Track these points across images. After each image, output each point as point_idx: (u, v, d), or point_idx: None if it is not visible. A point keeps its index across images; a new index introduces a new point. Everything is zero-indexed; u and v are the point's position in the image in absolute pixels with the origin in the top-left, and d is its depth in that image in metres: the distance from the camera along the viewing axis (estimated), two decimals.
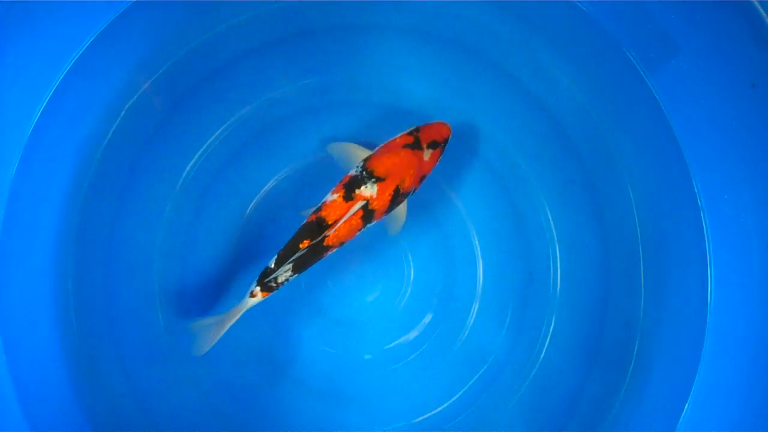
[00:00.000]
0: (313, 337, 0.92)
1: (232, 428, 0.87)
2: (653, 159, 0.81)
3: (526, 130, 0.90)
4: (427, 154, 0.81)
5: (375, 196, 0.77)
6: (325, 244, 0.77)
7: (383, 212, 0.80)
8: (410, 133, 0.81)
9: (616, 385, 0.82)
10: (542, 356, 0.88)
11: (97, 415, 0.82)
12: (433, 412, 0.89)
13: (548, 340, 0.88)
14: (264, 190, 0.92)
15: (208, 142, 0.91)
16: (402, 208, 0.84)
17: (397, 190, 0.78)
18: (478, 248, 0.92)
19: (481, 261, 0.92)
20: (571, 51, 0.85)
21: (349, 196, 0.77)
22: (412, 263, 0.93)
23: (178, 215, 0.90)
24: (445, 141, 0.84)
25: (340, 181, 0.79)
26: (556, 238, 0.90)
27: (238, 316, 0.79)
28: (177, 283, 0.90)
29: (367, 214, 0.78)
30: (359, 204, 0.77)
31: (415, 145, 0.80)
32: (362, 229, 0.79)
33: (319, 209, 0.78)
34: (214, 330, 0.78)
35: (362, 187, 0.77)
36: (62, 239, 0.81)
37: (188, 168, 0.90)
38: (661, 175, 0.80)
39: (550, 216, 0.90)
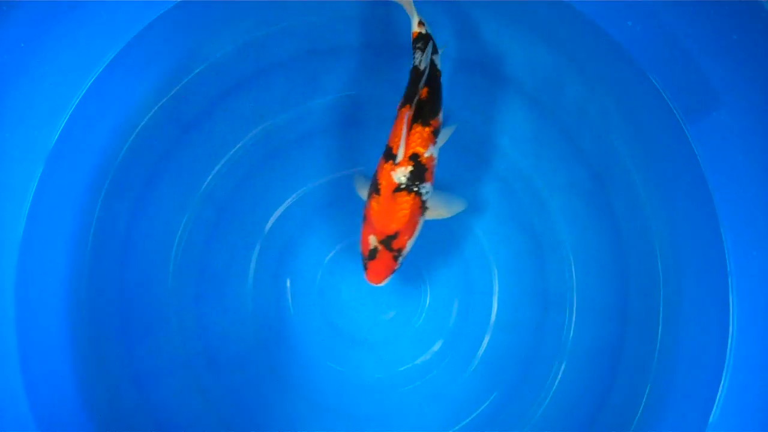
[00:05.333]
0: (324, 353, 0.92)
1: None
2: (682, 207, 0.80)
3: (554, 163, 0.90)
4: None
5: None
6: None
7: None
8: None
9: (630, 418, 0.81)
10: (553, 390, 0.88)
11: (103, 417, 0.83)
12: None
13: (560, 375, 0.88)
14: (285, 205, 0.92)
15: (229, 155, 0.91)
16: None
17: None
18: (497, 279, 0.92)
19: (497, 292, 0.92)
20: (608, 89, 0.84)
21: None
22: (428, 286, 0.93)
23: (195, 227, 0.90)
24: None
25: None
26: (575, 276, 0.89)
27: None
28: (191, 294, 0.90)
29: None
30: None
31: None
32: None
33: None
34: None
35: None
36: (79, 246, 0.82)
37: (208, 180, 0.90)
38: (689, 224, 0.80)
39: (570, 253, 0.89)
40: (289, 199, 0.92)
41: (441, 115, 0.77)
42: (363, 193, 0.82)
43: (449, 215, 0.81)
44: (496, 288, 0.92)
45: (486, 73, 0.89)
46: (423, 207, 0.77)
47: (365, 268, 0.79)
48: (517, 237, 0.92)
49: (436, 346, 0.92)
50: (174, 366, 0.88)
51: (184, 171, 0.89)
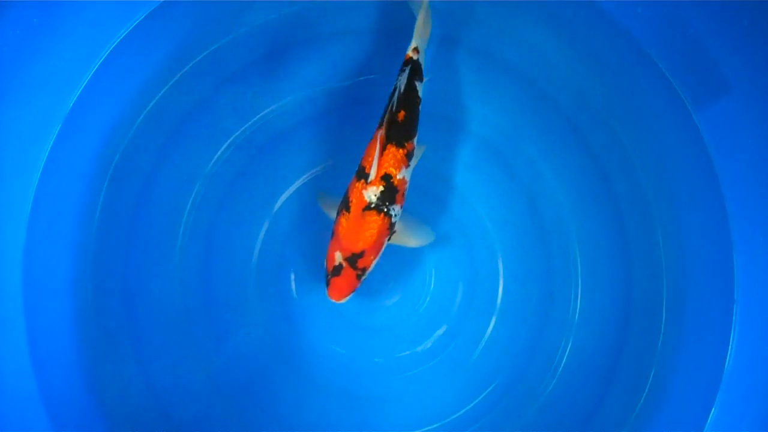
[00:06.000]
0: (329, 337, 0.92)
1: (244, 421, 0.88)
2: (688, 194, 0.81)
3: (560, 150, 0.90)
4: None
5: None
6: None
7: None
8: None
9: (633, 405, 0.82)
10: (558, 374, 0.88)
11: (107, 396, 0.83)
12: (443, 422, 0.90)
13: (564, 359, 0.88)
14: (294, 186, 0.92)
15: (236, 134, 0.90)
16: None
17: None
18: (501, 264, 0.92)
19: (502, 277, 0.92)
20: (615, 75, 0.84)
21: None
22: (434, 272, 0.93)
23: (203, 207, 0.90)
24: None
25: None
26: (579, 261, 0.90)
27: None
28: (198, 275, 0.90)
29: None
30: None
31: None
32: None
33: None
34: None
35: None
36: (85, 228, 0.82)
37: (214, 160, 0.90)
38: (695, 212, 0.80)
39: (576, 240, 0.90)
40: (301, 179, 0.92)
41: (416, 140, 0.79)
42: (328, 210, 0.83)
43: (415, 245, 0.84)
44: (501, 273, 0.92)
45: (492, 61, 0.89)
46: (391, 229, 0.78)
47: (327, 283, 0.80)
48: (522, 222, 0.92)
49: (440, 331, 0.92)
50: (179, 349, 0.88)
51: (191, 152, 0.89)
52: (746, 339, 0.73)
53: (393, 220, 0.78)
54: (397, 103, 0.76)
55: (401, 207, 0.79)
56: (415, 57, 0.80)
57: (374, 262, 0.79)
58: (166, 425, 0.84)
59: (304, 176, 0.92)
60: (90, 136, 0.81)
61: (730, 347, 0.73)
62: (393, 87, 0.79)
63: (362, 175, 0.76)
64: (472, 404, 0.90)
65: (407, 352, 0.93)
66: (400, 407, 0.91)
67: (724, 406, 0.73)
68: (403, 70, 0.79)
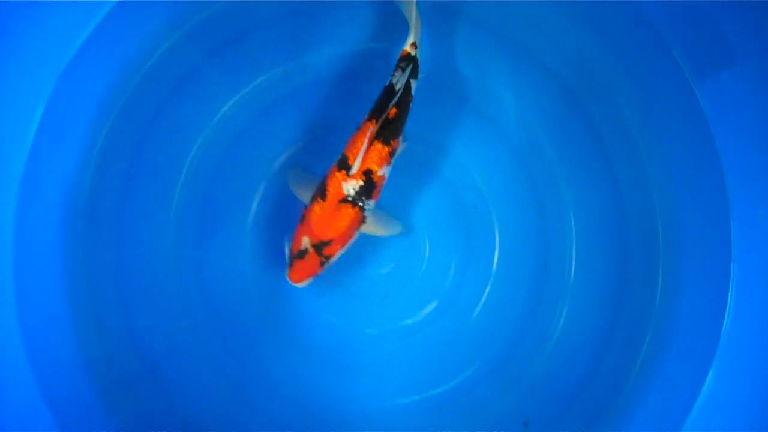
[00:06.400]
0: (322, 306, 0.91)
1: (240, 392, 0.87)
2: (686, 163, 0.81)
3: (557, 119, 0.90)
4: None
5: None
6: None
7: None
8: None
9: (627, 371, 0.83)
10: (554, 340, 0.89)
11: (95, 363, 0.80)
12: (437, 391, 0.90)
13: (560, 325, 0.89)
14: (294, 148, 0.90)
15: (235, 98, 0.89)
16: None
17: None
18: (497, 232, 0.92)
19: (498, 246, 0.92)
20: (616, 46, 0.83)
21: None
22: (428, 241, 0.92)
23: (196, 176, 0.88)
24: None
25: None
26: (574, 230, 0.90)
27: None
28: (191, 243, 0.88)
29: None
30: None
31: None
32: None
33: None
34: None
35: None
36: (75, 198, 0.80)
37: (215, 120, 0.88)
38: (692, 180, 0.81)
39: (571, 208, 0.90)
40: (293, 147, 0.91)
41: (401, 138, 0.79)
42: (297, 190, 0.83)
43: (383, 234, 0.84)
44: (496, 242, 0.92)
45: (491, 31, 0.88)
46: (362, 221, 0.79)
47: (290, 264, 0.80)
48: (518, 189, 0.91)
49: (435, 301, 0.92)
50: (172, 317, 0.86)
51: (189, 114, 0.86)
52: (743, 304, 0.74)
53: (365, 213, 0.78)
54: (391, 100, 0.75)
55: (375, 202, 0.79)
56: (413, 53, 0.79)
57: (340, 252, 0.80)
58: (156, 390, 0.83)
59: (305, 140, 0.91)
60: (89, 88, 0.78)
61: (726, 313, 0.74)
62: (388, 82, 0.77)
63: (344, 165, 0.76)
64: (465, 375, 0.90)
65: (401, 322, 0.92)
66: (390, 376, 0.91)
67: (720, 374, 0.74)
68: (401, 68, 0.78)
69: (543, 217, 0.91)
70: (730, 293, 0.74)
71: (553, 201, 0.90)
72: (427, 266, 0.92)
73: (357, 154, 0.75)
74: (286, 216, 0.90)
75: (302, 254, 0.79)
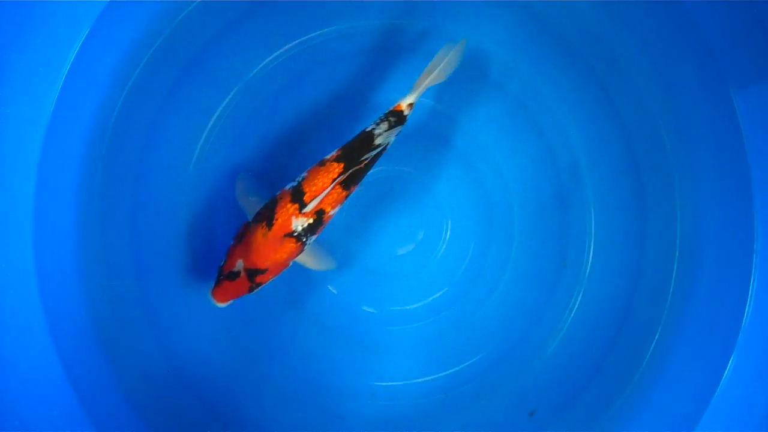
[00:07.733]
0: (340, 284, 0.91)
1: (247, 364, 0.88)
2: (712, 165, 0.82)
3: (586, 116, 0.91)
4: None
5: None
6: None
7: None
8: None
9: (636, 366, 0.84)
10: (563, 332, 0.89)
11: (104, 323, 0.81)
12: (449, 372, 0.91)
13: (570, 319, 0.89)
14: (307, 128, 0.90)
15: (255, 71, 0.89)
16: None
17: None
18: (517, 224, 0.92)
19: (516, 237, 0.92)
20: (654, 46, 0.85)
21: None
22: (450, 224, 0.92)
23: (206, 159, 0.88)
24: None
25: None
26: (594, 227, 0.90)
27: None
28: (204, 213, 0.88)
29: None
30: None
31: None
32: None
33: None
34: None
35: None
36: (90, 177, 0.80)
37: (225, 102, 0.88)
38: (717, 182, 0.82)
39: (592, 204, 0.91)
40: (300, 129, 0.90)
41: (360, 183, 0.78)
42: (243, 201, 0.81)
43: (315, 269, 0.83)
44: (515, 232, 0.92)
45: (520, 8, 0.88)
46: (299, 253, 0.77)
47: (217, 282, 0.77)
48: (543, 183, 0.92)
49: (450, 285, 0.92)
50: (185, 287, 0.86)
51: (208, 83, 0.86)
52: (763, 303, 0.76)
53: (305, 247, 0.77)
54: (368, 153, 0.74)
55: (316, 237, 0.78)
56: (406, 113, 0.77)
57: (271, 280, 0.78)
58: (170, 364, 0.84)
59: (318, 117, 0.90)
60: (115, 46, 0.79)
61: (747, 307, 0.75)
62: (369, 129, 0.76)
63: (298, 199, 0.74)
64: (474, 360, 0.91)
65: (415, 303, 0.92)
66: (400, 356, 0.91)
67: (736, 374, 0.75)
68: (389, 122, 0.76)
69: (564, 212, 0.91)
70: (750, 291, 0.76)
71: (575, 196, 0.91)
72: (446, 250, 0.92)
73: (315, 193, 0.73)
74: None
75: (233, 276, 0.76)
